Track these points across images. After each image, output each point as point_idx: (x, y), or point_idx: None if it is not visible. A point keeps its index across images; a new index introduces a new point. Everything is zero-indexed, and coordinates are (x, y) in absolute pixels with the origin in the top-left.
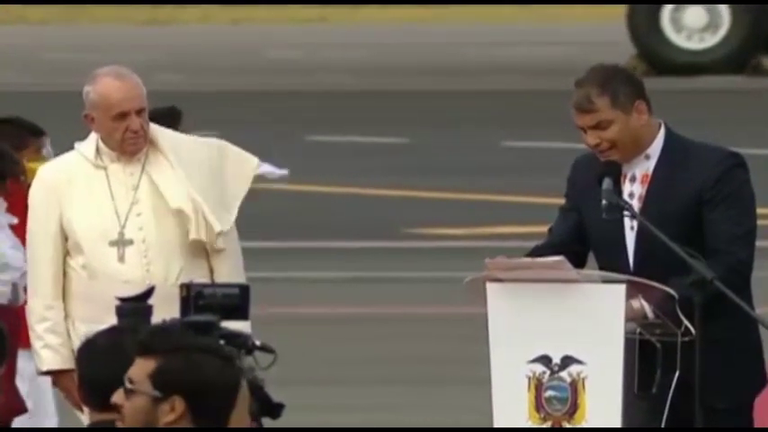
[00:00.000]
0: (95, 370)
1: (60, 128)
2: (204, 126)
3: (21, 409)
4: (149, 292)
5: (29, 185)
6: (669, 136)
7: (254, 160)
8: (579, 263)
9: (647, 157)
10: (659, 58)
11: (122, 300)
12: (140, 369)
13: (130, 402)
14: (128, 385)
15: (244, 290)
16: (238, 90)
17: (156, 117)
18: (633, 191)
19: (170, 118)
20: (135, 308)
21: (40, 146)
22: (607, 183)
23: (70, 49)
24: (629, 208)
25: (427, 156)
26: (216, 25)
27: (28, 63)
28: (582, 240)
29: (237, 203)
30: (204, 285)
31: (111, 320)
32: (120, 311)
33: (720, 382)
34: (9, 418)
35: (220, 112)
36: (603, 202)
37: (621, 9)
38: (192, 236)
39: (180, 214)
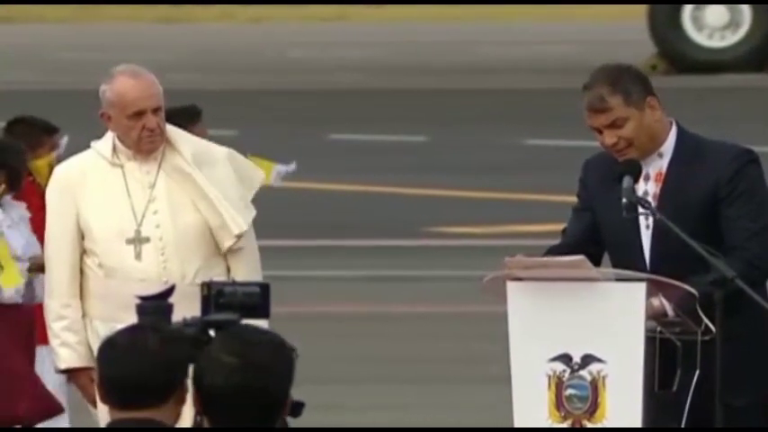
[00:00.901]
0: (116, 369)
1: (77, 127)
2: (223, 125)
3: (55, 408)
4: (170, 290)
5: (38, 184)
6: (681, 134)
7: (262, 174)
8: (594, 263)
9: (661, 156)
10: (680, 56)
11: (143, 298)
12: None
13: None
14: None
15: (264, 288)
16: (257, 89)
17: (175, 115)
18: (647, 189)
19: (189, 116)
20: (156, 306)
21: (54, 143)
22: (627, 181)
23: (88, 48)
24: (649, 206)
25: (446, 154)
26: (234, 24)
27: (45, 62)
28: (596, 241)
29: (250, 202)
30: (225, 284)
31: (128, 318)
32: (140, 310)
33: (738, 379)
34: (41, 418)
35: (239, 111)
36: (624, 200)
37: (642, 8)
38: (225, 244)
39: (197, 214)
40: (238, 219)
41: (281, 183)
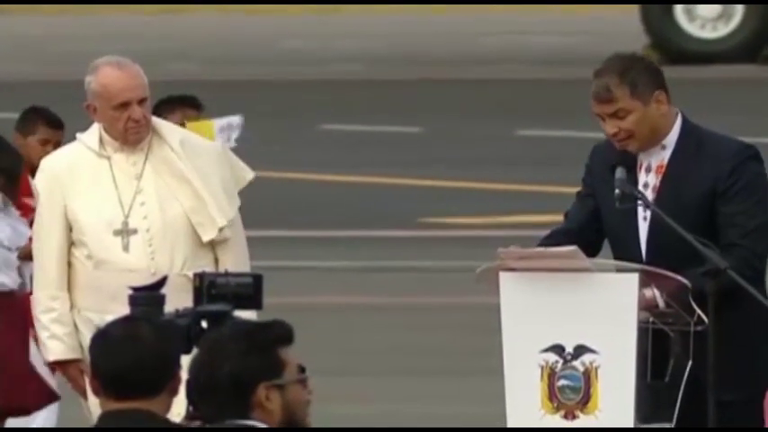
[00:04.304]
0: (110, 360)
1: (74, 118)
2: (217, 115)
3: (51, 396)
4: (162, 281)
5: None
6: (685, 126)
7: (250, 171)
8: (594, 250)
9: (663, 148)
10: (672, 47)
11: (135, 289)
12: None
13: None
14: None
15: (257, 279)
16: (252, 80)
17: (177, 101)
18: (648, 181)
19: (190, 106)
20: (148, 297)
21: (59, 139)
22: (620, 172)
23: (85, 39)
24: (643, 197)
25: (442, 145)
26: (229, 15)
27: (42, 53)
28: (598, 227)
29: (236, 194)
30: (217, 275)
31: (117, 310)
32: (133, 301)
33: (731, 374)
34: (40, 405)
35: (234, 102)
36: (616, 191)
37: None
38: (205, 237)
39: (183, 205)
40: (220, 212)
41: (234, 139)
